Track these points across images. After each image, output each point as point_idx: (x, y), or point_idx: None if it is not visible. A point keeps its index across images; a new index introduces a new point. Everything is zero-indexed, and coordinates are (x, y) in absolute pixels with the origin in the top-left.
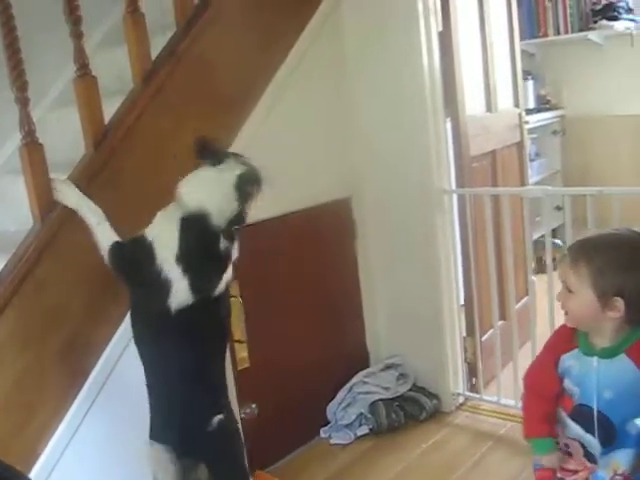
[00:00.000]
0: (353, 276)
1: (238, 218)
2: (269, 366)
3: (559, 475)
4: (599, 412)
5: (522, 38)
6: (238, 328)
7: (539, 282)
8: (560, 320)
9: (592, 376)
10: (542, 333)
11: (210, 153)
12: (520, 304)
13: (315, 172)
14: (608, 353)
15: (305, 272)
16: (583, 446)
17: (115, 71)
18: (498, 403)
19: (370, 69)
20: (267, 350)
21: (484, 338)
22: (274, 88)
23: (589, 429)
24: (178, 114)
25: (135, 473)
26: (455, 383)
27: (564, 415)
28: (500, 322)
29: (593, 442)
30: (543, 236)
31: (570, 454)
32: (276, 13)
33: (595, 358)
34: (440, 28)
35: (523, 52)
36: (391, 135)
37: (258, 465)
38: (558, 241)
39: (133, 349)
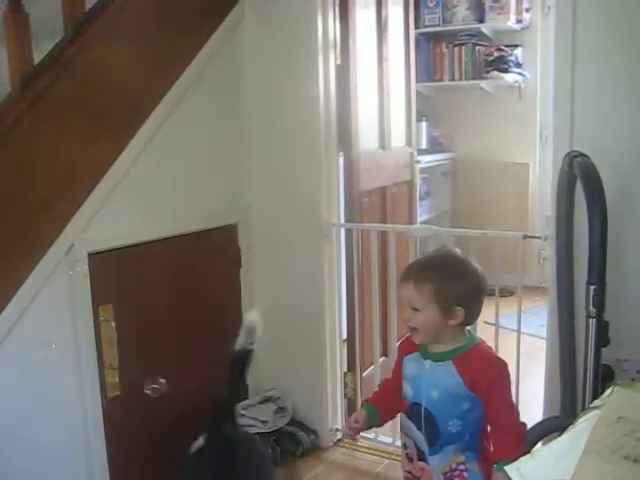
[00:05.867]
0: (235, 305)
1: None
2: (142, 394)
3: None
4: (426, 410)
5: (419, 80)
6: (110, 353)
7: None
8: None
9: (423, 377)
10: None
11: None
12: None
13: (201, 196)
14: (439, 357)
15: (185, 298)
16: (416, 446)
17: None
18: (375, 440)
19: (267, 97)
20: (140, 378)
21: (365, 374)
22: (164, 108)
23: (419, 426)
24: (60, 126)
25: None
26: (334, 419)
27: (402, 414)
28: (381, 358)
29: (421, 438)
30: None
31: (411, 459)
32: (171, 32)
33: (428, 361)
34: (339, 61)
35: (419, 94)
36: (283, 164)
37: None
38: None
39: None
